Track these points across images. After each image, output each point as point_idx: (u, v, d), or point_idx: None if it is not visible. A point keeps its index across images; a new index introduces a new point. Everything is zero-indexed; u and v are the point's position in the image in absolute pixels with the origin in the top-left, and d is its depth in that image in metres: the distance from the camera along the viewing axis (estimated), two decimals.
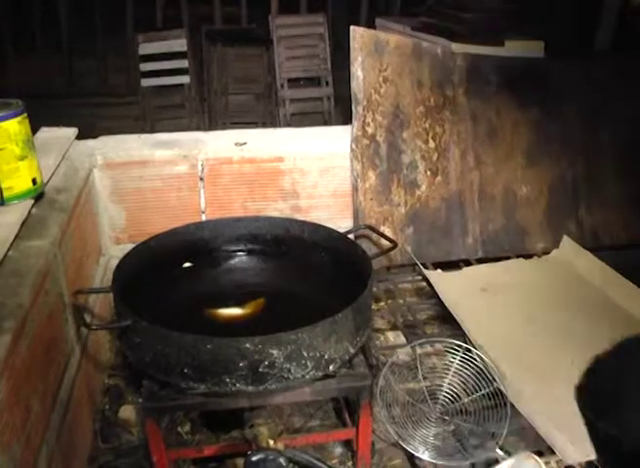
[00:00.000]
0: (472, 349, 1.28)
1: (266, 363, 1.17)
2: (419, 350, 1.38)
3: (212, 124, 5.32)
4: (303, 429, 1.51)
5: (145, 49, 5.00)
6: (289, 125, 5.01)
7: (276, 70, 5.01)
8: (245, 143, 1.81)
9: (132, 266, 1.45)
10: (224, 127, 5.18)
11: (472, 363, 1.29)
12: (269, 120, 5.18)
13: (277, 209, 1.86)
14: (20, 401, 1.07)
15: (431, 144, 1.80)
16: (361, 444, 1.35)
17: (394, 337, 1.75)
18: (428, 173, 1.81)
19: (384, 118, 1.74)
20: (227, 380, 1.18)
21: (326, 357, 1.22)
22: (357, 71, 1.69)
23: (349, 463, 1.43)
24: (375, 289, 1.77)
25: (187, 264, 1.60)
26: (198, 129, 5.22)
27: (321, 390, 1.28)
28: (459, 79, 1.81)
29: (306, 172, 1.84)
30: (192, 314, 1.47)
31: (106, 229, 1.81)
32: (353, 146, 1.73)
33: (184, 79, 5.15)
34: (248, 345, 1.15)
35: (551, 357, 1.40)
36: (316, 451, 1.43)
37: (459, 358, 1.31)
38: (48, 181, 1.51)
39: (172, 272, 1.55)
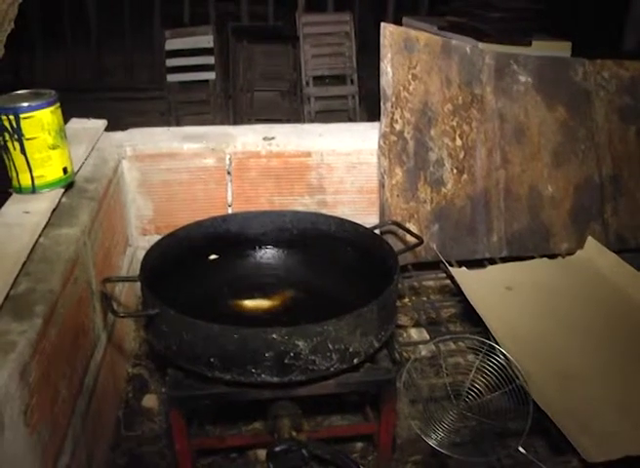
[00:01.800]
0: (495, 346, 1.28)
1: (292, 354, 1.18)
2: (442, 347, 1.38)
3: (236, 120, 5.35)
4: (325, 422, 1.52)
5: (172, 45, 5.04)
6: (313, 122, 5.03)
7: (302, 68, 5.02)
8: (273, 138, 1.82)
9: (159, 257, 1.46)
10: (249, 123, 5.21)
11: (495, 360, 1.28)
12: (294, 117, 5.19)
13: (303, 204, 1.87)
14: (50, 384, 1.09)
15: (458, 142, 1.80)
16: (383, 438, 1.36)
17: (417, 334, 1.75)
18: (455, 171, 1.80)
19: (412, 115, 1.74)
20: (253, 371, 1.19)
21: (351, 350, 1.23)
22: (387, 68, 1.69)
23: (370, 458, 1.43)
24: (399, 285, 1.78)
25: (213, 256, 1.62)
26: (223, 125, 5.27)
27: (345, 383, 1.29)
28: (487, 77, 1.80)
29: (333, 167, 1.85)
30: (217, 305, 1.49)
31: (133, 220, 1.83)
32: (381, 143, 1.73)
33: (210, 75, 5.19)
34: (275, 336, 1.16)
35: (575, 356, 1.39)
36: (337, 445, 1.44)
37: (482, 355, 1.30)
38: (78, 171, 1.53)
39: (198, 264, 1.56)
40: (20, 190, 1.36)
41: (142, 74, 5.46)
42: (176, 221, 1.74)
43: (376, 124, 1.79)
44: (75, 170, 1.52)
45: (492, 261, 1.80)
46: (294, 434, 1.24)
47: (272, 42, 5.16)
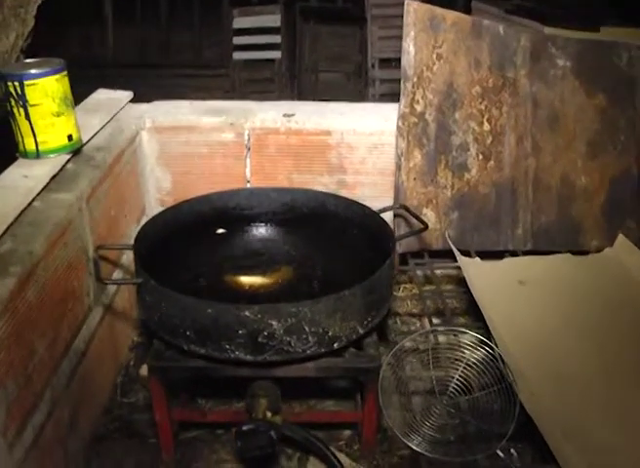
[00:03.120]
0: (488, 342, 1.21)
1: (266, 333, 1.15)
2: (439, 339, 1.32)
3: (300, 100, 5.33)
4: (318, 407, 1.48)
5: (240, 23, 5.07)
6: None
7: (368, 50, 4.94)
8: (293, 115, 1.79)
9: (161, 228, 1.46)
10: None
11: (489, 357, 1.22)
12: (358, 100, 5.13)
13: (322, 183, 1.83)
14: (22, 343, 1.11)
15: (486, 127, 1.71)
16: (366, 428, 1.32)
17: (422, 324, 1.69)
18: (480, 156, 1.72)
19: (435, 96, 1.67)
20: (227, 347, 1.18)
21: (330, 334, 1.19)
22: (409, 47, 1.62)
23: (356, 447, 1.39)
24: (410, 272, 1.72)
25: (220, 230, 1.61)
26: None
27: (325, 367, 1.25)
28: (522, 60, 1.70)
29: (354, 147, 1.79)
30: (215, 279, 1.48)
31: (152, 191, 1.84)
32: (399, 123, 1.66)
33: (276, 54, 5.19)
34: (247, 313, 1.14)
35: (579, 362, 1.30)
36: (325, 432, 1.41)
37: (474, 350, 1.24)
38: (90, 140, 1.54)
39: (202, 237, 1.56)
40: (25, 155, 1.39)
41: (210, 52, 5.50)
42: (193, 194, 1.73)
43: None
44: (87, 138, 1.53)
45: (514, 255, 1.71)
46: (268, 415, 1.21)
47: (339, 23, 5.10)
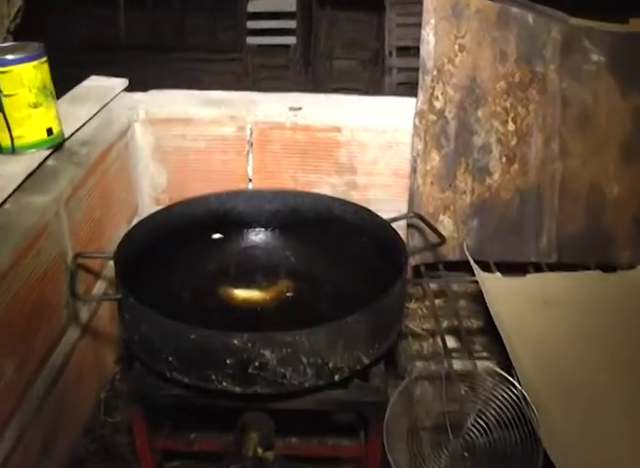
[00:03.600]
0: (509, 378, 1.06)
1: (257, 364, 1.01)
2: (448, 365, 1.18)
3: (315, 88, 5.20)
4: (306, 439, 1.34)
5: (254, 7, 4.93)
6: (394, 95, 4.79)
7: (385, 37, 4.78)
8: (300, 109, 1.64)
9: (147, 234, 1.32)
10: (326, 91, 5.04)
11: (509, 392, 1.08)
12: (374, 88, 4.98)
13: (331, 183, 1.69)
14: None
15: (510, 127, 1.55)
16: (369, 465, 1.18)
17: (434, 345, 1.55)
18: (504, 159, 1.56)
19: (457, 92, 1.51)
20: (213, 377, 1.04)
21: (330, 365, 1.05)
22: (428, 36, 1.46)
23: None
24: (424, 285, 1.57)
25: (217, 235, 1.47)
26: (300, 91, 5.13)
27: (325, 400, 1.11)
28: (551, 53, 1.54)
29: (366, 145, 1.64)
30: (206, 293, 1.34)
31: (146, 188, 1.70)
32: (416, 122, 1.51)
33: (291, 40, 5.05)
34: (236, 341, 1.00)
35: (616, 401, 1.14)
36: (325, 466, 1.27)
37: (493, 384, 1.09)
38: (74, 133, 1.41)
39: (196, 243, 1.41)
40: None
41: (223, 36, 5.35)
42: (190, 193, 1.60)
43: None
44: (71, 131, 1.40)
45: (537, 267, 1.56)
46: (259, 451, 1.08)
47: (356, 9, 4.94)
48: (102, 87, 1.62)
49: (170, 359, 1.05)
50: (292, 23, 4.97)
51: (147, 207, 1.71)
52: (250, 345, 1.00)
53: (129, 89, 1.73)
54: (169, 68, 5.05)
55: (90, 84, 1.64)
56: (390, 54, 4.77)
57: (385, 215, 1.41)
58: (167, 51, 5.14)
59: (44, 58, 1.24)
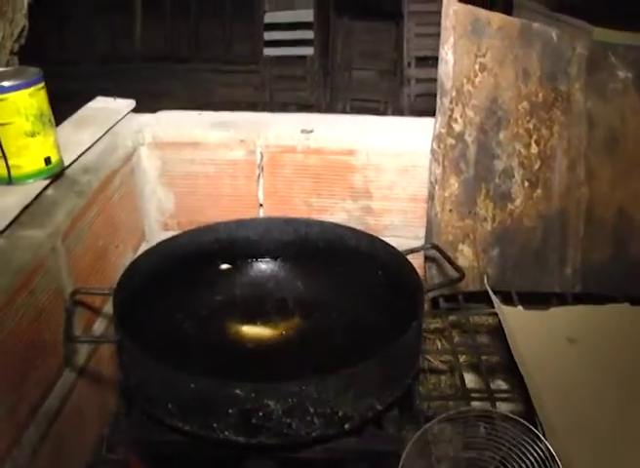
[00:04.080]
0: (531, 428, 0.98)
1: (261, 414, 0.95)
2: (466, 410, 1.10)
3: (333, 99, 5.16)
4: None
5: (271, 18, 4.90)
6: (412, 106, 4.73)
7: (404, 47, 4.73)
8: (312, 131, 1.57)
9: (153, 265, 1.27)
10: (344, 103, 4.99)
11: (532, 443, 1.00)
12: (392, 99, 4.93)
13: (345, 209, 1.62)
14: None
15: (534, 149, 1.47)
16: None
17: (452, 379, 1.46)
18: (526, 184, 1.49)
19: (477, 114, 1.44)
20: (215, 426, 0.97)
21: (340, 414, 0.98)
22: (447, 55, 1.39)
23: None
24: (442, 318, 1.49)
25: (225, 266, 1.41)
26: (318, 103, 5.08)
27: (334, 449, 1.04)
28: (577, 71, 1.46)
29: (382, 169, 1.57)
30: (214, 325, 1.28)
31: (153, 213, 1.64)
32: (434, 146, 1.44)
33: (308, 51, 5.01)
34: (238, 391, 0.93)
35: None
36: None
37: (515, 433, 1.02)
38: (76, 160, 1.35)
39: (203, 275, 1.35)
40: None
41: (240, 47, 5.32)
42: (199, 218, 1.57)
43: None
44: (74, 158, 1.34)
45: (561, 297, 1.48)
46: None
47: (374, 19, 4.89)
48: (108, 109, 1.57)
49: (169, 406, 0.99)
50: (309, 34, 4.93)
51: (155, 232, 1.65)
52: (253, 395, 0.93)
53: (143, 102, 1.68)
54: (185, 79, 5.03)
55: (95, 105, 1.59)
56: (409, 64, 4.73)
57: (403, 242, 1.34)
58: (183, 61, 5.13)
59: (41, 85, 1.18)
